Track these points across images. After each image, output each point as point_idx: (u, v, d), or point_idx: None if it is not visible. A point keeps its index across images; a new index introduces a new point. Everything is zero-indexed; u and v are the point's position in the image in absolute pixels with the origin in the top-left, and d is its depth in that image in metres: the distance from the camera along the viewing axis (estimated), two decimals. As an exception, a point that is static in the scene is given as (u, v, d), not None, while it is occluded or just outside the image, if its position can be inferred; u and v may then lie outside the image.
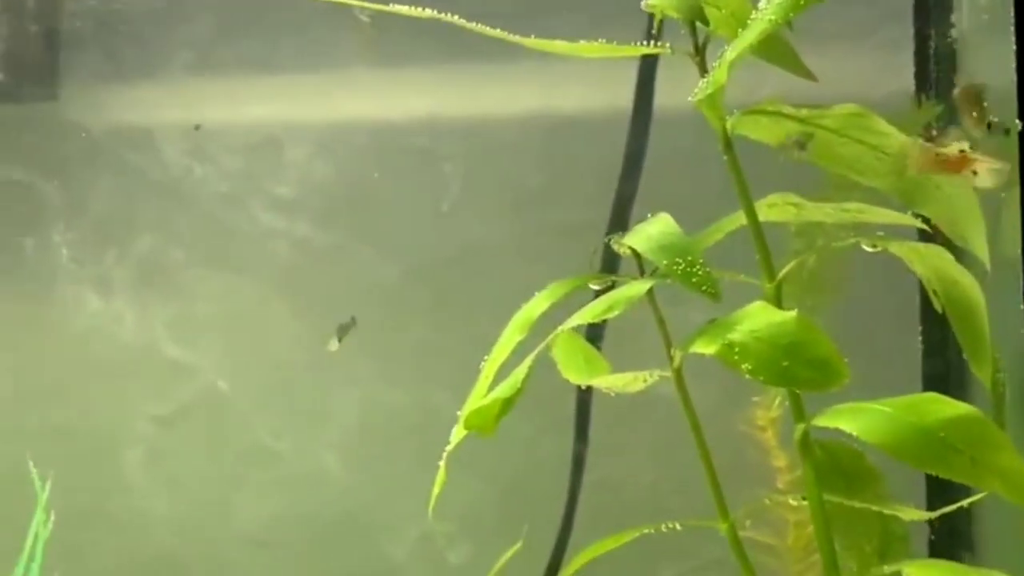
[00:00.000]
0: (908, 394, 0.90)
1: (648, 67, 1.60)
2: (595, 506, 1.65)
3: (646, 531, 1.05)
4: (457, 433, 0.98)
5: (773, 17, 0.89)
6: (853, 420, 0.89)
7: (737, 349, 0.88)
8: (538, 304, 1.00)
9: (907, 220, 1.02)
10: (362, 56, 1.76)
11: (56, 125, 1.89)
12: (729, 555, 1.03)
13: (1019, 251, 1.09)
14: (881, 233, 1.01)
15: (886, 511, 1.03)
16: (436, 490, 0.99)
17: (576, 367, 1.08)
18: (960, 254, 1.01)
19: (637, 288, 0.96)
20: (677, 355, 1.00)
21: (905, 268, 1.01)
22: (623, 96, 1.61)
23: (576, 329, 0.99)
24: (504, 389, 0.96)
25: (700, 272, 0.91)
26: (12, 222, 1.87)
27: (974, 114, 1.08)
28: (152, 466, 1.85)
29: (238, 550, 1.84)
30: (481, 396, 0.97)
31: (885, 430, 0.87)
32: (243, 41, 1.85)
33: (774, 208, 1.03)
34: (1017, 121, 1.07)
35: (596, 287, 1.02)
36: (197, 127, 1.84)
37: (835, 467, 1.03)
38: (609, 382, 1.07)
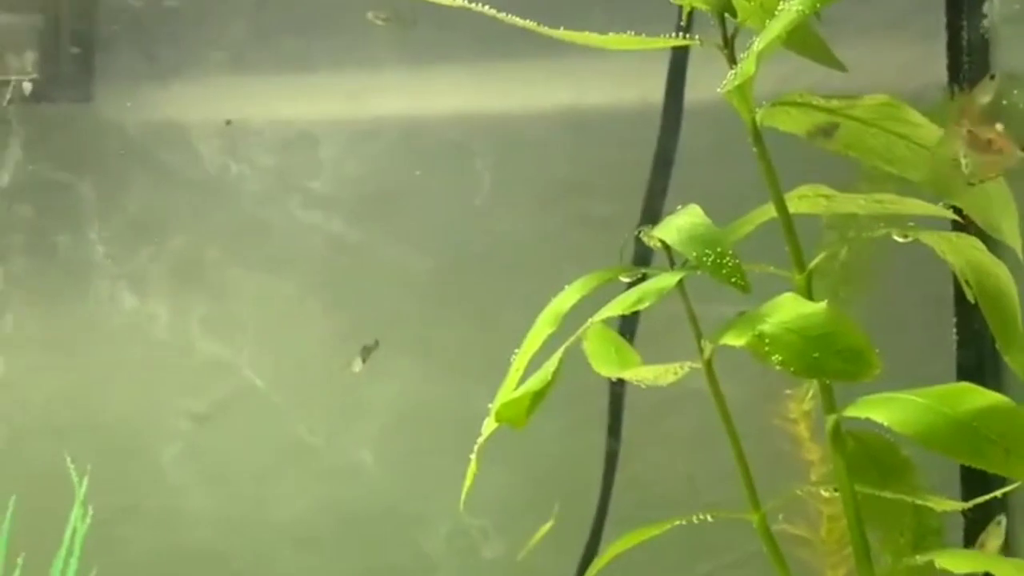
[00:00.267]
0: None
1: (679, 60, 1.60)
2: (629, 501, 1.65)
3: (677, 523, 1.04)
4: (488, 426, 0.97)
5: (801, 8, 0.88)
6: (884, 410, 0.88)
7: (767, 341, 0.87)
8: (569, 297, 0.99)
9: (940, 211, 1.00)
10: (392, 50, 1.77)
11: (92, 125, 1.90)
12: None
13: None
14: (912, 224, 1.01)
15: (919, 502, 1.03)
16: (467, 482, 0.99)
17: (607, 359, 1.06)
18: (993, 244, 1.00)
19: (667, 280, 0.95)
20: (707, 347, 0.99)
21: (939, 259, 1.00)
22: (653, 90, 1.60)
23: (608, 323, 0.98)
24: (535, 382, 0.95)
25: (730, 263, 0.90)
26: (49, 221, 1.89)
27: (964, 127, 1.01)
28: (189, 462, 1.86)
29: (274, 544, 1.85)
30: (512, 389, 0.97)
31: (917, 420, 0.86)
32: (278, 39, 1.86)
33: (804, 200, 1.02)
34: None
35: (627, 280, 1.01)
36: (228, 122, 1.85)
37: (868, 458, 1.02)
38: (640, 374, 1.06)
